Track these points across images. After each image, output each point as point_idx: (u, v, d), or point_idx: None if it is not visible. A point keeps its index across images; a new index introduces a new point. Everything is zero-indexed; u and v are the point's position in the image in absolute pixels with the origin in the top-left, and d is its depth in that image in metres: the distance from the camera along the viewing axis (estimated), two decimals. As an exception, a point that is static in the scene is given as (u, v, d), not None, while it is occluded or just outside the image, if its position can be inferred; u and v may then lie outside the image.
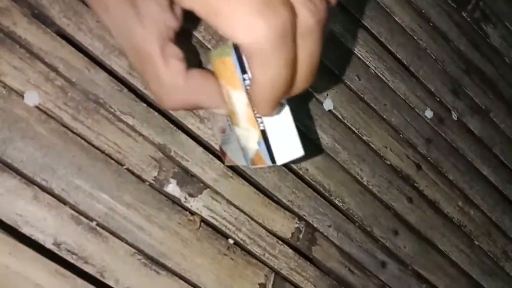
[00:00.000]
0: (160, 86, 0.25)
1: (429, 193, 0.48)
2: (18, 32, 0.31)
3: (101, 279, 0.31)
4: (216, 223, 0.35)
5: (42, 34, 0.32)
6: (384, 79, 0.47)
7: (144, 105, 0.34)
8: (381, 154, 0.45)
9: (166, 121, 0.35)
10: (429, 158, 0.49)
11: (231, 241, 0.36)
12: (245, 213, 0.37)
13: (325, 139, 0.42)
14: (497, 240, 0.52)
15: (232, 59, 0.25)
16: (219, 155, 0.36)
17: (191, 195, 0.35)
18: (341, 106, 0.43)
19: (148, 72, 0.25)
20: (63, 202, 0.31)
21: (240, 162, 0.31)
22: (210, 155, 0.36)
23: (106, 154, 0.33)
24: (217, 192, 0.36)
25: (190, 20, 0.36)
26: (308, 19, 0.20)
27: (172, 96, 0.25)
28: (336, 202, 0.42)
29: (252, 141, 0.27)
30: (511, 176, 0.55)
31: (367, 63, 0.46)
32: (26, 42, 0.31)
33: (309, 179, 0.40)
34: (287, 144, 0.27)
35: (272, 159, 0.27)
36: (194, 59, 0.36)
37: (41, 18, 0.32)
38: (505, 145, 0.55)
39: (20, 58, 0.31)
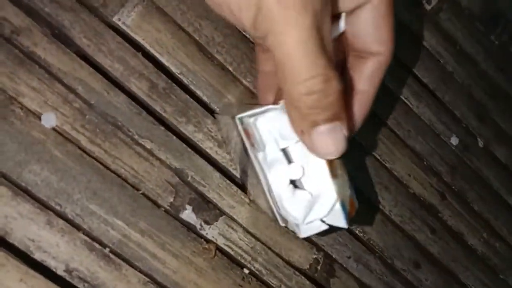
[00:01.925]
0: None
1: (453, 223, 0.46)
2: (38, 52, 0.31)
3: (112, 308, 0.30)
4: (232, 252, 0.34)
5: (62, 54, 0.31)
6: (408, 103, 0.45)
7: (163, 128, 0.33)
8: (404, 182, 0.44)
9: (184, 145, 0.34)
10: (453, 187, 0.47)
11: (246, 271, 0.35)
12: (262, 242, 0.35)
13: (346, 166, 0.40)
14: (523, 274, 0.50)
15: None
16: (237, 181, 0.35)
17: (206, 222, 0.34)
18: (363, 132, 0.42)
19: None
20: (77, 227, 0.30)
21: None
22: (227, 181, 0.35)
23: (123, 179, 0.32)
24: (233, 219, 0.35)
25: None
26: None
27: None
28: (357, 232, 0.40)
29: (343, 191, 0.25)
30: (538, 207, 0.53)
31: (391, 87, 0.44)
32: (45, 62, 0.31)
33: (329, 207, 0.39)
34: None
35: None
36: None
37: (61, 38, 0.32)
38: (533, 174, 0.53)
39: (39, 79, 0.30)
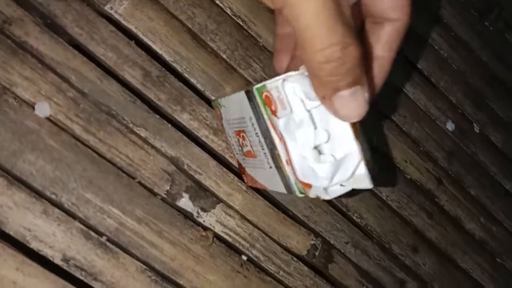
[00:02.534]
0: None
1: (450, 208, 0.46)
2: (30, 42, 0.30)
3: (111, 296, 0.30)
4: (230, 239, 0.34)
5: (55, 44, 0.31)
6: (404, 89, 0.45)
7: (157, 116, 0.33)
8: (401, 167, 0.44)
9: (179, 133, 0.34)
10: (450, 172, 0.47)
11: (244, 257, 0.35)
12: (259, 229, 0.35)
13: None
14: (521, 258, 0.50)
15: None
16: (233, 169, 0.35)
17: (204, 210, 0.34)
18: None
19: None
20: (73, 216, 0.30)
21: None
22: (224, 169, 0.35)
23: (118, 167, 0.32)
24: (230, 207, 0.35)
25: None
26: None
27: None
28: (354, 217, 0.40)
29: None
30: (535, 191, 0.53)
31: (387, 73, 0.44)
32: (38, 52, 0.31)
33: (325, 194, 0.39)
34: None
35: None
36: (208, 69, 0.36)
37: (53, 28, 0.31)
38: (530, 159, 0.53)
39: (32, 69, 0.30)
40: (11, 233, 0.28)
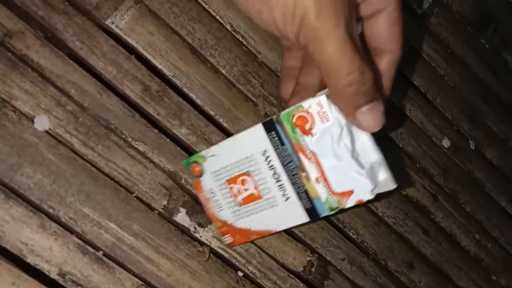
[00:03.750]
0: None
1: (445, 225, 0.46)
2: (31, 55, 0.31)
3: (106, 312, 0.30)
4: (226, 255, 0.34)
5: (55, 57, 0.31)
6: (400, 106, 0.46)
7: (156, 131, 0.33)
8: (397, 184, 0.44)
9: (178, 148, 0.34)
10: (445, 189, 0.47)
11: (240, 273, 0.35)
12: (255, 245, 0.35)
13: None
14: (515, 275, 0.51)
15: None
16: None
17: (200, 225, 0.34)
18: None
19: None
20: (70, 231, 0.30)
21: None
22: (222, 183, 0.35)
23: (116, 182, 0.32)
24: (227, 222, 0.35)
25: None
26: None
27: None
28: (350, 234, 0.40)
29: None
30: (530, 208, 0.54)
31: (384, 90, 0.45)
32: (38, 65, 0.31)
33: (322, 209, 0.39)
34: None
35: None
36: (208, 84, 0.36)
37: (54, 41, 0.31)
38: (524, 175, 0.54)
39: (32, 82, 0.30)
40: (8, 247, 0.28)
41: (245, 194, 0.31)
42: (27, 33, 0.31)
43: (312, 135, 0.27)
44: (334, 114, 0.27)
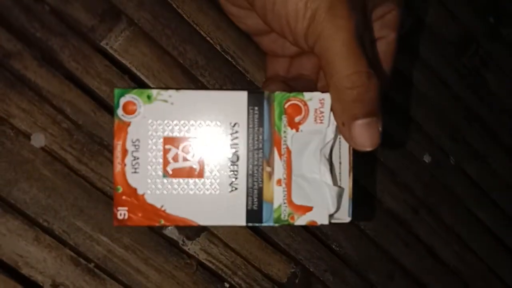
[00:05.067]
0: None
1: (425, 238, 0.48)
2: (28, 76, 0.32)
3: (97, 321, 0.31)
4: (213, 267, 0.36)
5: (52, 77, 0.33)
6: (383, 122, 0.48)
7: (147, 148, 0.35)
8: (378, 197, 0.46)
9: (168, 163, 0.36)
10: (426, 203, 0.49)
11: (226, 285, 0.36)
12: (241, 257, 0.37)
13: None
14: (493, 286, 0.53)
15: None
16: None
17: (188, 238, 0.35)
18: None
19: None
20: (64, 243, 0.31)
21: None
22: (210, 198, 0.37)
23: (108, 196, 0.33)
24: (214, 235, 0.36)
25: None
26: None
27: None
28: (333, 246, 0.42)
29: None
30: (508, 221, 0.56)
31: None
32: (35, 85, 0.32)
33: (306, 223, 0.41)
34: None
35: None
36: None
37: (51, 62, 0.33)
38: (503, 190, 0.56)
39: (29, 101, 0.32)
40: (4, 259, 0.30)
41: (182, 164, 0.24)
42: (25, 54, 0.32)
43: (297, 130, 0.24)
44: (331, 120, 0.24)
